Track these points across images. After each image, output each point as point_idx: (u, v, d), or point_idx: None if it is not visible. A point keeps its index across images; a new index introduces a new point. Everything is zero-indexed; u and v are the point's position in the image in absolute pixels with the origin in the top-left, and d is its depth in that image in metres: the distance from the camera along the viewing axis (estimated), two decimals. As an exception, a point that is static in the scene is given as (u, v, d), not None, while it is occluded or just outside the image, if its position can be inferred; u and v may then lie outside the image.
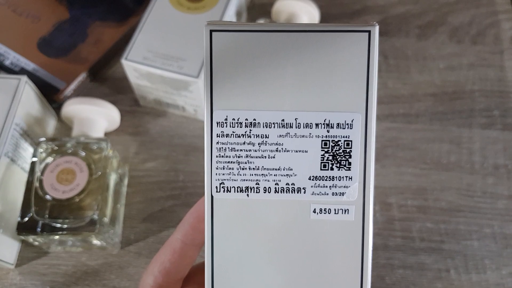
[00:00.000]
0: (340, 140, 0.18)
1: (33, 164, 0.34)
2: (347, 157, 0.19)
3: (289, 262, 0.19)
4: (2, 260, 0.33)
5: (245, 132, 0.19)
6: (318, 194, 0.19)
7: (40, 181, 0.33)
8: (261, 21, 0.44)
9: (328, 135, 0.19)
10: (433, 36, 0.46)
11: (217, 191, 0.19)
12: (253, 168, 0.19)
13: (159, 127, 0.41)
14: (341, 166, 0.19)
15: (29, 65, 0.42)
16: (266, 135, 0.19)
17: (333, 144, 0.19)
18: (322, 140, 0.19)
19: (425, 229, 0.36)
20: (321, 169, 0.19)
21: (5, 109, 0.35)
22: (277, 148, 0.19)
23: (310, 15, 0.42)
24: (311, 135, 0.19)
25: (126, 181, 0.38)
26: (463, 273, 0.34)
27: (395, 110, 0.42)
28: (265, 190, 0.19)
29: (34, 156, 0.34)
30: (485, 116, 0.41)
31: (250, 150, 0.19)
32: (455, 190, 0.38)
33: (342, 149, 0.19)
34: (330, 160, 0.19)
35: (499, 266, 0.35)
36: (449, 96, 0.42)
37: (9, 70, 0.41)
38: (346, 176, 0.19)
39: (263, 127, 0.19)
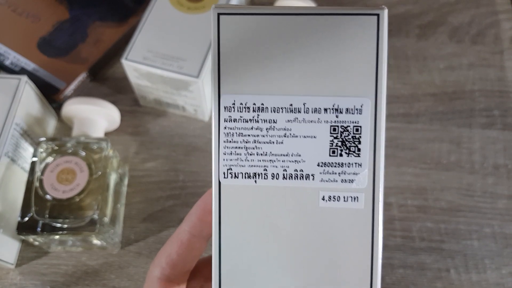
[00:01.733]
0: (349, 126, 0.18)
1: (33, 164, 0.34)
2: (356, 143, 0.18)
3: (297, 249, 0.19)
4: (2, 260, 0.33)
5: (253, 117, 0.18)
6: (327, 181, 0.18)
7: (40, 181, 0.33)
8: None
9: (337, 121, 0.18)
10: (433, 36, 0.46)
11: (224, 177, 0.19)
12: (261, 154, 0.18)
13: (159, 127, 0.41)
14: (350, 152, 0.18)
15: (29, 65, 0.42)
16: (274, 120, 0.18)
17: (342, 130, 0.18)
18: (331, 126, 0.18)
19: (425, 229, 0.36)
20: (330, 155, 0.18)
21: (5, 109, 0.35)
22: (285, 134, 0.18)
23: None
24: (319, 120, 0.18)
25: (126, 181, 0.38)
26: (463, 273, 0.34)
27: (395, 110, 0.42)
28: (273, 176, 0.18)
29: (34, 156, 0.34)
30: (485, 116, 0.41)
31: (258, 136, 0.18)
32: (455, 190, 0.38)
33: (352, 134, 0.18)
34: (339, 146, 0.18)
35: (499, 266, 0.35)
36: (449, 96, 0.42)
37: (9, 70, 0.41)
38: (356, 163, 0.18)
39: (271, 112, 0.18)
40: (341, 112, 0.18)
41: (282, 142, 0.18)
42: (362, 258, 0.18)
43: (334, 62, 0.18)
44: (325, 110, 0.18)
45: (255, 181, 0.19)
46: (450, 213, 0.37)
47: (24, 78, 0.36)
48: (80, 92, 0.42)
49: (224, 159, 0.19)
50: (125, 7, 0.46)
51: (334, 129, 0.18)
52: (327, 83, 0.18)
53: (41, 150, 0.34)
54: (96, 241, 0.33)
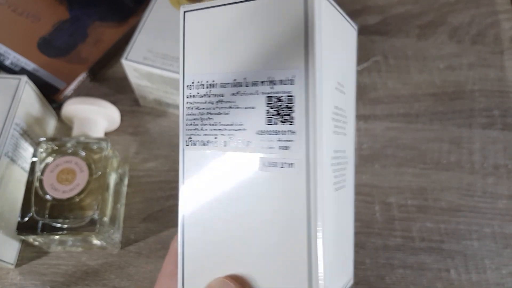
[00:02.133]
0: (282, 96, 0.19)
1: (33, 164, 0.34)
2: (289, 112, 0.19)
3: (240, 212, 0.20)
4: (2, 260, 0.33)
5: (206, 92, 0.21)
6: (265, 148, 0.20)
7: (40, 181, 0.33)
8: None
9: (272, 92, 0.19)
10: (433, 36, 0.46)
11: (186, 145, 0.21)
12: (212, 124, 0.21)
13: (159, 127, 0.41)
14: (284, 120, 0.19)
15: (29, 65, 0.42)
16: (221, 94, 0.21)
17: (276, 100, 0.19)
18: (267, 96, 0.20)
19: (425, 229, 0.36)
20: (266, 124, 0.20)
21: (5, 109, 0.35)
22: (230, 106, 0.20)
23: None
24: (257, 92, 0.20)
25: (126, 181, 0.38)
26: (463, 273, 0.34)
27: (395, 110, 0.42)
28: (222, 144, 0.21)
29: (34, 156, 0.34)
30: (485, 116, 0.41)
31: (210, 108, 0.21)
32: (455, 190, 0.38)
33: (285, 104, 0.19)
34: (274, 115, 0.19)
35: (499, 266, 0.35)
36: (449, 96, 0.42)
37: (9, 70, 0.41)
38: (290, 131, 0.19)
39: (220, 87, 0.21)
40: (275, 84, 0.19)
41: (228, 113, 0.21)
42: (298, 220, 0.19)
43: (270, 40, 0.19)
44: (262, 82, 0.20)
45: (208, 148, 0.21)
46: (450, 213, 0.37)
47: (24, 78, 0.36)
48: (80, 92, 0.42)
49: (186, 129, 0.22)
50: (125, 7, 0.46)
51: (270, 100, 0.20)
52: (264, 59, 0.20)
53: (41, 150, 0.34)
54: (96, 241, 0.33)
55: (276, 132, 0.19)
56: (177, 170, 0.39)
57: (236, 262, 0.20)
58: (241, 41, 0.20)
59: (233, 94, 0.20)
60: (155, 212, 0.37)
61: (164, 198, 0.38)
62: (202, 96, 0.21)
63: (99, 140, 0.35)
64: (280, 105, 0.19)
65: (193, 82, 0.21)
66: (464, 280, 0.34)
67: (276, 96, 0.19)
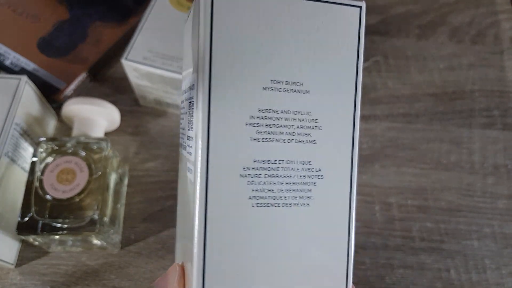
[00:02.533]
0: (191, 101, 0.19)
1: (33, 164, 0.34)
2: (192, 118, 0.19)
3: (181, 209, 0.22)
4: (2, 260, 0.33)
5: (182, 98, 0.23)
6: (188, 153, 0.20)
7: (40, 181, 0.33)
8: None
9: (190, 97, 0.20)
10: (433, 36, 0.46)
11: (179, 146, 0.24)
12: (182, 128, 0.22)
13: (159, 127, 0.41)
14: (190, 126, 0.19)
15: (29, 65, 0.42)
16: (182, 100, 0.22)
17: (191, 105, 0.19)
18: (189, 102, 0.20)
19: (425, 229, 0.36)
20: (188, 129, 0.20)
21: (5, 109, 0.35)
22: (184, 111, 0.22)
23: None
24: (188, 97, 0.20)
25: (126, 181, 0.38)
26: (463, 273, 0.34)
27: (395, 110, 0.42)
28: (182, 146, 0.22)
29: (34, 156, 0.34)
30: (485, 116, 0.41)
31: (182, 113, 0.22)
32: (455, 190, 0.38)
33: (192, 109, 0.19)
34: (190, 121, 0.19)
35: (499, 266, 0.35)
36: (449, 96, 0.42)
37: (9, 70, 0.41)
38: (191, 137, 0.19)
39: (184, 93, 0.22)
40: (192, 89, 0.19)
41: (183, 118, 0.22)
42: (192, 226, 0.19)
43: (196, 46, 0.19)
44: (189, 88, 0.20)
45: (182, 150, 0.23)
46: (450, 213, 0.37)
47: (24, 78, 0.36)
48: (80, 92, 0.42)
49: (179, 137, 0.24)
50: (125, 7, 0.46)
51: (189, 105, 0.20)
52: (192, 66, 0.20)
53: (41, 150, 0.34)
54: (96, 241, 0.33)
55: (189, 138, 0.19)
56: (177, 170, 0.39)
57: (183, 253, 0.22)
58: (191, 48, 0.20)
59: (185, 100, 0.21)
60: (155, 212, 0.37)
61: (164, 198, 0.38)
62: (182, 102, 0.23)
63: (99, 140, 0.35)
64: (191, 111, 0.19)
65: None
66: (464, 280, 0.34)
67: (190, 102, 0.19)
